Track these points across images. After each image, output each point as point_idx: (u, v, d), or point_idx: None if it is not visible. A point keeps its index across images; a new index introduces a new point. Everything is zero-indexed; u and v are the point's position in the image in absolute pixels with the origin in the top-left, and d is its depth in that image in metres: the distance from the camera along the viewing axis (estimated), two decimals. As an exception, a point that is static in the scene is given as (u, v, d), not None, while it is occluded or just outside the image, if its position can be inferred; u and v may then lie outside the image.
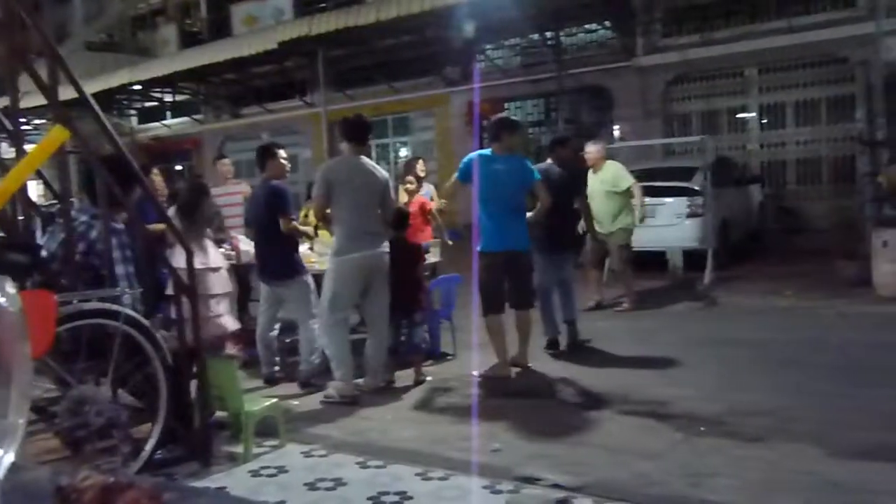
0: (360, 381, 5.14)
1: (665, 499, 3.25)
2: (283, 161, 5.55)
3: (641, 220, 7.89)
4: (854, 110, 12.48)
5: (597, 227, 7.32)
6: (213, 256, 5.48)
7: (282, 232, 5.27)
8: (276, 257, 5.37)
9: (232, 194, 7.22)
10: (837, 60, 12.59)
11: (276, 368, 5.62)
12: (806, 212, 13.19)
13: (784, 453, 3.72)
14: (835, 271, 8.41)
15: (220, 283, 5.50)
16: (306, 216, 6.93)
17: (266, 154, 5.56)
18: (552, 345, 6.12)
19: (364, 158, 5.15)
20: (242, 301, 6.93)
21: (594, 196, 7.38)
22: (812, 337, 6.19)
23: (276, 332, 5.66)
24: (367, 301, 5.13)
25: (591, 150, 7.69)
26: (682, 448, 3.88)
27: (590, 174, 7.61)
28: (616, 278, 7.94)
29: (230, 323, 5.52)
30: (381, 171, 5.20)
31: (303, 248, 5.90)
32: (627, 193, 7.63)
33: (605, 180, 7.54)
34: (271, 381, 5.51)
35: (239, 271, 6.66)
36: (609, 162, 7.76)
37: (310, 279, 5.44)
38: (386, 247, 5.09)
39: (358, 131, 5.18)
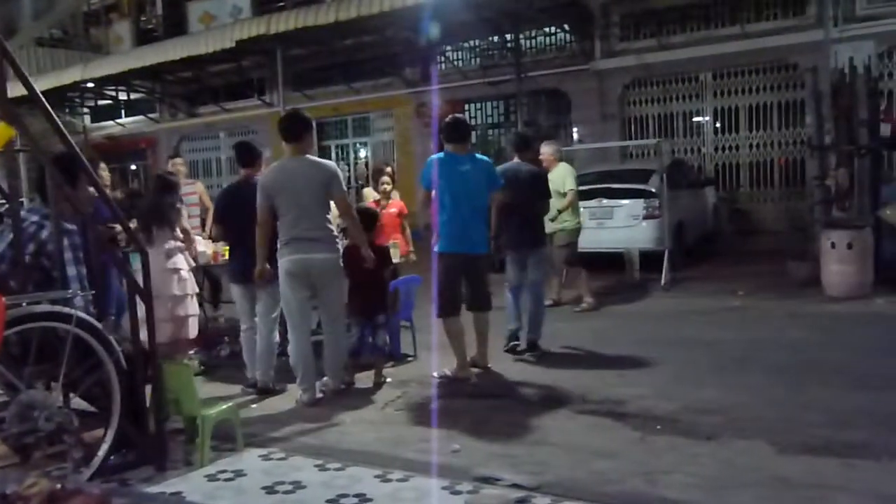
0: (322, 379, 5.10)
1: (622, 497, 3.29)
2: (266, 158, 5.54)
3: (577, 225, 7.84)
4: (804, 115, 12.81)
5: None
6: (181, 257, 5.48)
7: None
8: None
9: (188, 194, 7.16)
10: (788, 66, 12.92)
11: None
12: (758, 214, 13.51)
13: (737, 450, 3.81)
14: (786, 272, 8.64)
15: (190, 284, 5.53)
16: None
17: (252, 152, 5.53)
18: (513, 337, 6.14)
19: (306, 157, 4.96)
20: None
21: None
22: (763, 336, 6.34)
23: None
24: (320, 304, 5.06)
25: (546, 150, 7.72)
26: (639, 446, 3.94)
27: None
28: (571, 278, 7.99)
29: (193, 328, 5.52)
30: (326, 165, 5.01)
31: None
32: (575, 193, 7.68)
33: (553, 181, 7.45)
34: (268, 391, 5.27)
35: (209, 272, 6.68)
36: (561, 164, 7.78)
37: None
38: (331, 250, 4.93)
39: (290, 129, 4.99)
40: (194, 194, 7.35)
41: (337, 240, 5.10)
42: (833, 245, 7.68)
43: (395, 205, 6.74)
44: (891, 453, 3.64)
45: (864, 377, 4.98)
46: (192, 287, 5.59)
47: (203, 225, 7.22)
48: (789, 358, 5.60)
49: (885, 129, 8.42)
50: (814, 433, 3.97)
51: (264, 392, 5.21)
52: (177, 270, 5.44)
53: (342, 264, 5.07)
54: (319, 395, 5.00)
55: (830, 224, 8.08)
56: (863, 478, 3.40)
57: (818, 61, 10.96)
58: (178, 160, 7.71)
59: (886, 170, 8.92)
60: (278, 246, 4.94)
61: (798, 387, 4.87)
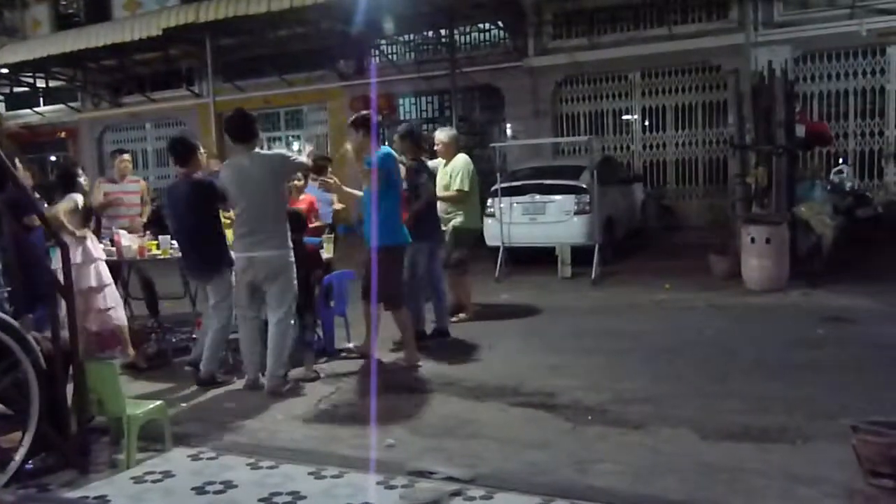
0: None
1: (553, 486, 3.36)
2: (203, 155, 5.55)
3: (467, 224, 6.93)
4: (726, 115, 13.29)
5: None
6: (96, 248, 5.46)
7: (205, 228, 5.26)
8: (200, 254, 5.32)
9: (131, 193, 7.09)
10: (712, 68, 13.38)
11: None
12: (684, 210, 13.96)
13: (663, 438, 3.94)
14: (709, 266, 8.95)
15: (106, 274, 5.48)
16: None
17: (184, 149, 5.42)
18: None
19: (255, 152, 5.05)
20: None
21: (441, 188, 6.67)
22: (688, 328, 6.56)
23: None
24: (267, 297, 5.06)
25: (441, 136, 6.86)
26: (570, 437, 4.03)
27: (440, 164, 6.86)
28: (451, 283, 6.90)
29: (121, 317, 5.51)
30: (272, 155, 5.17)
31: None
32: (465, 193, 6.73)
33: (454, 175, 6.70)
34: (210, 382, 5.21)
35: (140, 269, 6.53)
36: (461, 156, 6.84)
37: (232, 277, 5.31)
38: (276, 247, 4.94)
39: (241, 131, 5.05)
40: (137, 193, 7.17)
41: (288, 235, 5.07)
42: (752, 240, 7.99)
43: (306, 199, 6.61)
44: (804, 437, 3.84)
45: (780, 366, 5.22)
46: (108, 278, 5.61)
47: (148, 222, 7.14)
48: (712, 348, 5.82)
49: (800, 130, 8.81)
50: (734, 420, 4.15)
51: (205, 384, 5.16)
52: (96, 261, 5.52)
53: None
54: (262, 383, 5.04)
55: (750, 220, 8.39)
56: (777, 460, 3.57)
57: (740, 64, 11.41)
58: (126, 156, 7.28)
59: (801, 169, 9.32)
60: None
61: (720, 376, 5.06)
